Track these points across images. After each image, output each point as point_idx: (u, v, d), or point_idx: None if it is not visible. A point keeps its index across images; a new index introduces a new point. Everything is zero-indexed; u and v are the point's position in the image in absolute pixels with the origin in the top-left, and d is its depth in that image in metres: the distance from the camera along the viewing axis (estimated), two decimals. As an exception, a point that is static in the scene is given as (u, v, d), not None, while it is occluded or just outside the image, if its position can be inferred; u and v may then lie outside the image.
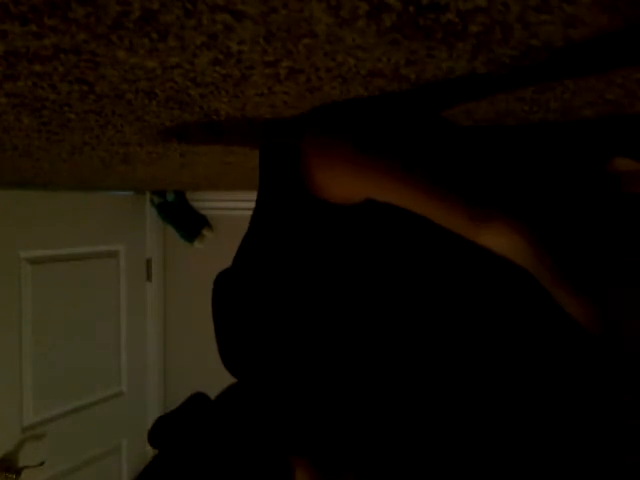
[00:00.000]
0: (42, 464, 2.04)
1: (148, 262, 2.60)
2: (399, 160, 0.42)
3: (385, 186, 0.42)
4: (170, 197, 2.44)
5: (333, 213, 0.47)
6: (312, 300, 0.48)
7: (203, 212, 2.52)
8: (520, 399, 0.43)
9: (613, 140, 0.59)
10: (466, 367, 0.44)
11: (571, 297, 0.38)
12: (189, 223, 2.49)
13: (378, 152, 0.42)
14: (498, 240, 0.39)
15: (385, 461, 0.47)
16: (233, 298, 0.53)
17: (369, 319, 0.46)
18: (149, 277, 2.60)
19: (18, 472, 1.96)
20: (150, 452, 2.65)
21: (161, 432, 0.56)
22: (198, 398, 0.62)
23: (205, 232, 2.49)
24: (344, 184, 0.44)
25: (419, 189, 0.41)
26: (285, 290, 0.49)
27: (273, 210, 0.53)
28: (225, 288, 0.55)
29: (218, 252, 2.49)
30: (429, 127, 0.45)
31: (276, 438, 0.51)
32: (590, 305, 0.38)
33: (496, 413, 0.43)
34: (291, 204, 0.50)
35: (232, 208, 2.43)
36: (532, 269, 0.39)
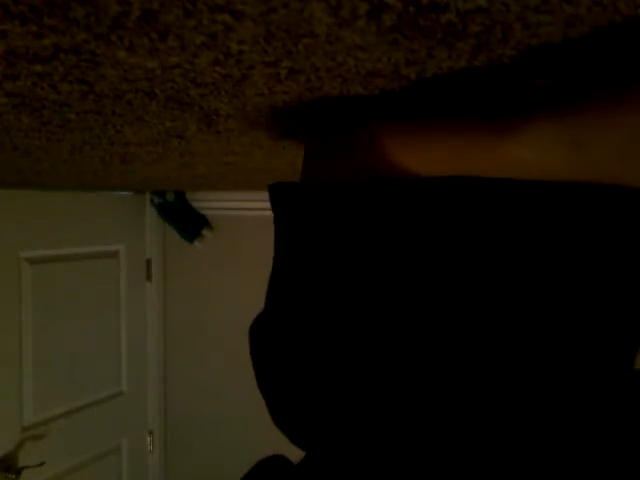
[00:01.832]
0: (42, 464, 2.04)
1: (148, 262, 2.60)
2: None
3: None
4: (170, 197, 2.45)
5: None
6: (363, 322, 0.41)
7: (203, 212, 2.52)
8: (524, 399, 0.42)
9: None
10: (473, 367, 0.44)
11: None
12: (189, 223, 2.49)
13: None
14: (536, 140, 0.35)
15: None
16: (275, 346, 0.46)
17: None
18: (149, 277, 2.60)
19: (18, 472, 1.96)
20: (150, 451, 2.64)
21: None
22: (273, 464, 0.44)
23: (205, 232, 2.49)
24: (433, 154, 0.44)
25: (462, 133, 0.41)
26: (332, 320, 0.42)
27: (297, 244, 0.48)
28: (264, 336, 0.48)
29: (218, 252, 2.49)
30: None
31: None
32: None
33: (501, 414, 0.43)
34: (316, 231, 0.46)
35: (232, 208, 2.43)
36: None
